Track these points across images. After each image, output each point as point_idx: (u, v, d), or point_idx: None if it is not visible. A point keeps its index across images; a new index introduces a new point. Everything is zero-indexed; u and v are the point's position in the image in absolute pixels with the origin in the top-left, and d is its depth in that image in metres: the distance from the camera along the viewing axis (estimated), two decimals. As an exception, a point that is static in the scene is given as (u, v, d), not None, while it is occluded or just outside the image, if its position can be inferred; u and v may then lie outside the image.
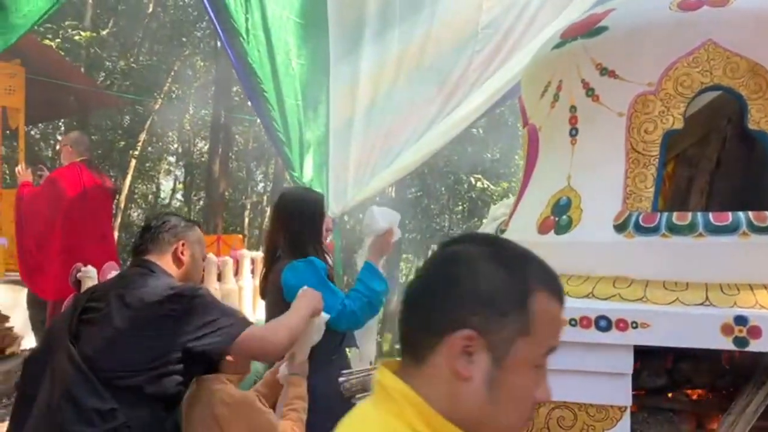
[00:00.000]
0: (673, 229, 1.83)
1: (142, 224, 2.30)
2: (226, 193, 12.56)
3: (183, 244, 2.15)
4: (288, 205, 2.78)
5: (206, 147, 13.98)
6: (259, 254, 5.25)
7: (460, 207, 12.88)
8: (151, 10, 12.27)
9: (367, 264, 2.65)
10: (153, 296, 1.93)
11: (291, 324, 2.09)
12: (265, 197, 15.02)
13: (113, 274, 3.49)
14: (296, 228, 2.70)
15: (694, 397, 2.20)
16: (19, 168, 5.58)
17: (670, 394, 2.17)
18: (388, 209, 2.75)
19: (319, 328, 2.29)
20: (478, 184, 11.03)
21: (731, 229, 1.78)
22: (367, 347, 3.44)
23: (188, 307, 1.92)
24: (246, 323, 2.01)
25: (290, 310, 2.16)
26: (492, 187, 10.97)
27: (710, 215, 1.82)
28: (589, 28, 2.11)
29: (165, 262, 2.12)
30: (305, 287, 2.27)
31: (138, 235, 2.24)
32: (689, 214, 1.84)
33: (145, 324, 1.90)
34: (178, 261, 2.14)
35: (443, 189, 11.99)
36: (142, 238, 2.17)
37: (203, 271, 2.29)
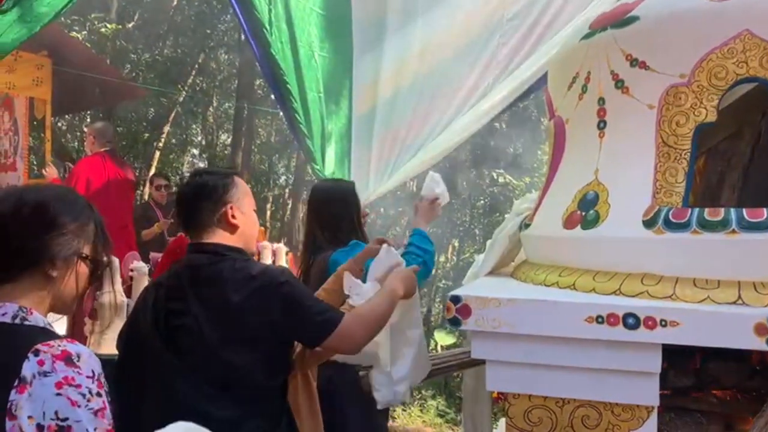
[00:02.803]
0: (705, 225, 1.78)
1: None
2: (249, 186, 12.60)
3: (231, 207, 1.93)
4: (319, 197, 2.86)
5: (229, 140, 14.04)
6: (280, 245, 5.26)
7: (482, 202, 12.79)
8: (175, 2, 12.33)
9: (416, 230, 2.68)
10: (237, 294, 1.78)
11: (377, 313, 1.92)
12: (286, 190, 15.05)
13: (135, 263, 3.52)
14: (331, 218, 2.76)
15: (723, 398, 2.15)
16: (46, 169, 5.68)
17: (697, 395, 2.12)
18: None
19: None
20: (500, 178, 10.94)
21: (766, 225, 1.73)
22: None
23: (277, 298, 1.80)
24: (338, 314, 1.86)
25: (383, 292, 1.99)
26: (514, 181, 10.86)
27: (744, 211, 1.76)
28: (619, 18, 2.06)
29: (220, 235, 1.92)
30: (399, 268, 2.13)
31: (178, 209, 2.02)
32: (722, 210, 1.79)
33: (241, 327, 1.78)
34: (231, 227, 1.93)
35: (465, 183, 11.90)
36: (186, 214, 1.97)
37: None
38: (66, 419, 1.15)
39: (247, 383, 1.81)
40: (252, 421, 1.79)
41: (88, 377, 1.20)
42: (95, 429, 1.17)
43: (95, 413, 1.18)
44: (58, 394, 1.15)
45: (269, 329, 1.81)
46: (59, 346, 1.20)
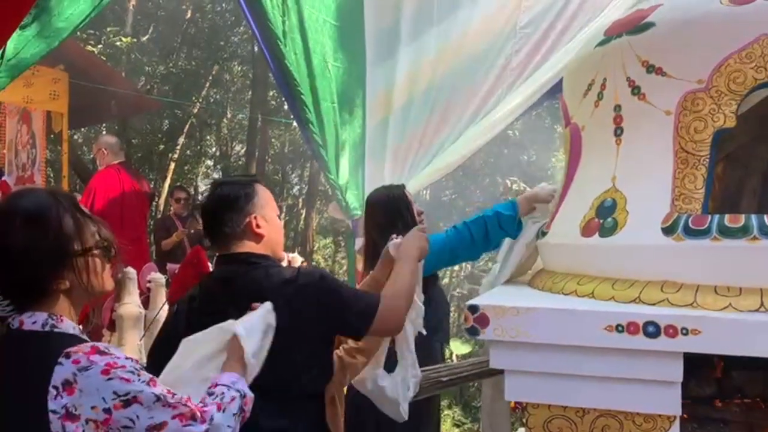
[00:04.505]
0: (725, 232, 1.76)
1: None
2: (263, 194, 12.67)
3: (255, 217, 1.91)
4: (374, 206, 3.01)
5: (243, 150, 14.13)
6: (295, 255, 5.28)
7: (496, 209, 12.72)
8: (189, 15, 12.46)
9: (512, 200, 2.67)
10: (276, 300, 1.74)
11: (404, 286, 1.94)
12: (300, 200, 15.13)
13: (152, 275, 3.54)
14: (384, 224, 2.85)
15: (746, 407, 2.11)
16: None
17: (720, 404, 2.09)
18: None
19: None
20: (514, 186, 10.89)
21: (787, 231, 1.71)
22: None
23: (316, 294, 1.79)
24: (376, 297, 1.86)
25: (396, 265, 2.02)
26: (528, 189, 10.83)
27: (765, 217, 1.74)
28: (634, 24, 2.05)
29: (247, 245, 1.90)
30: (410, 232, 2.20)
31: (203, 222, 2.00)
32: (742, 217, 1.77)
33: (282, 333, 1.73)
34: (257, 237, 1.91)
35: (478, 191, 11.86)
36: (211, 227, 1.95)
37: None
38: (127, 393, 1.19)
39: (291, 391, 1.79)
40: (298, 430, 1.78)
41: (126, 358, 1.24)
42: (158, 392, 1.22)
43: (148, 383, 1.23)
44: (109, 379, 1.19)
45: (310, 330, 1.79)
46: (87, 345, 1.24)
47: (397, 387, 2.13)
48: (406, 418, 2.16)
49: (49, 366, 1.19)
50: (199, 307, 1.87)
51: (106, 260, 1.39)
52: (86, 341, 1.28)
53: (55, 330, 1.27)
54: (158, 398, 1.21)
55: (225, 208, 1.92)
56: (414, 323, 2.13)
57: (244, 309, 1.76)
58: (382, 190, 3.17)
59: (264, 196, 1.98)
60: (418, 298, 2.12)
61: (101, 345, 1.25)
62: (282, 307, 1.75)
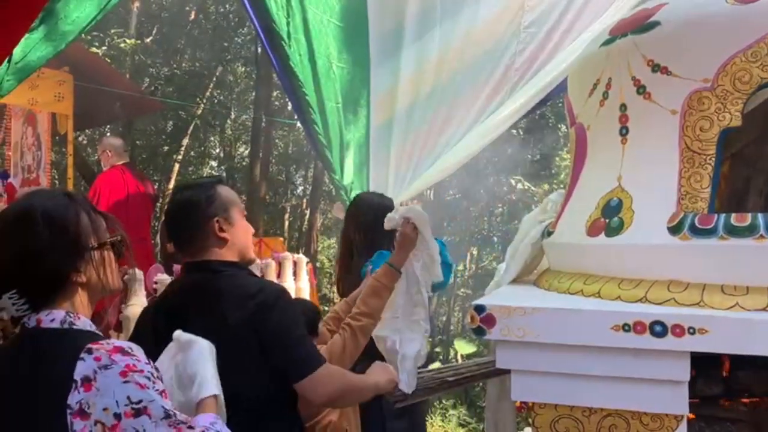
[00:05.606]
0: (732, 231, 1.76)
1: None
2: (267, 197, 12.67)
3: (218, 221, 1.84)
4: (362, 206, 3.04)
5: (247, 151, 14.14)
6: (300, 256, 5.29)
7: (500, 209, 12.75)
8: (193, 17, 12.48)
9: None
10: (235, 312, 1.74)
11: (353, 385, 1.88)
12: (304, 200, 15.13)
13: (159, 275, 3.55)
14: (368, 225, 2.90)
15: (753, 406, 2.11)
16: None
17: (727, 403, 2.09)
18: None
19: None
20: (519, 185, 10.90)
21: (794, 230, 1.70)
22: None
23: (270, 320, 1.75)
24: (320, 360, 1.78)
25: (367, 380, 1.95)
26: (533, 188, 10.83)
27: (772, 216, 1.74)
28: (639, 24, 2.05)
29: (211, 251, 1.85)
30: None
31: (167, 228, 1.97)
32: (749, 216, 1.77)
33: (237, 345, 1.73)
34: (220, 241, 1.84)
35: (482, 191, 11.85)
36: (173, 234, 1.91)
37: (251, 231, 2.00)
38: (140, 401, 1.19)
39: (250, 401, 1.75)
40: None
41: (146, 363, 1.24)
42: (168, 408, 1.21)
43: (161, 393, 1.22)
44: (126, 382, 1.19)
45: (260, 349, 1.76)
46: (109, 343, 1.24)
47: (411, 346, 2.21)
48: (409, 391, 2.21)
49: (71, 361, 1.19)
50: (165, 314, 1.84)
51: (117, 257, 1.40)
52: (103, 338, 1.29)
53: (74, 327, 1.28)
54: (167, 415, 1.20)
55: (186, 213, 1.87)
56: (431, 270, 2.24)
57: (207, 319, 1.76)
58: (372, 194, 3.24)
59: (227, 197, 1.91)
60: (435, 254, 2.23)
61: (125, 344, 1.25)
62: (238, 320, 1.73)
